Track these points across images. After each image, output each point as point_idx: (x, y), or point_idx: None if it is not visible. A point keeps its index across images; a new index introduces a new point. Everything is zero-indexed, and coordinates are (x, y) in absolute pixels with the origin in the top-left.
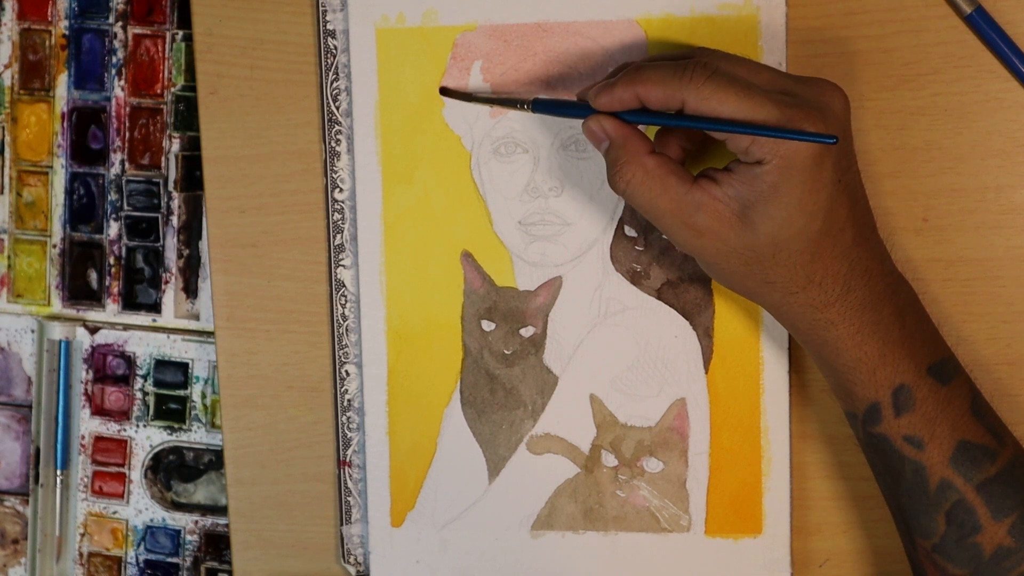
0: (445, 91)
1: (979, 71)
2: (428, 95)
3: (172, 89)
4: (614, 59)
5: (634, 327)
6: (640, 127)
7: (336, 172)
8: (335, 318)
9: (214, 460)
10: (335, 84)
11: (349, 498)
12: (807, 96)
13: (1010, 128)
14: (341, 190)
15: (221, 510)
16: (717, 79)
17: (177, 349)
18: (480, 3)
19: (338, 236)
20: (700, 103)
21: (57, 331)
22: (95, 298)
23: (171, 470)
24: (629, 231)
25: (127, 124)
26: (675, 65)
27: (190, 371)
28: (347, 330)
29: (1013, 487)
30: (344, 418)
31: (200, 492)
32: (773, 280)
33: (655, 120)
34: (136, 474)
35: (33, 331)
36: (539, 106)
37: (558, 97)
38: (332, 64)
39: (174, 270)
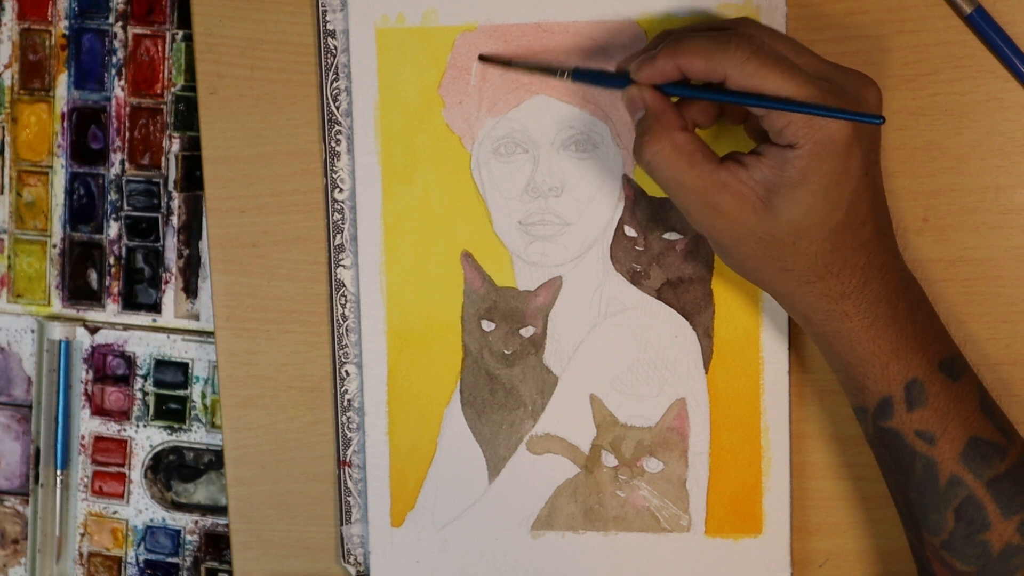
0: (484, 57)
1: (979, 71)
2: (428, 95)
3: (172, 89)
4: (614, 59)
5: (634, 327)
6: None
7: (336, 172)
8: (335, 318)
9: (214, 460)
10: (335, 84)
11: (349, 498)
12: (845, 85)
13: (1010, 128)
14: (341, 190)
15: (221, 510)
16: (761, 55)
17: (177, 349)
18: (480, 3)
19: (338, 236)
20: (744, 78)
21: (57, 331)
22: (95, 298)
23: (171, 470)
24: (629, 231)
25: (127, 124)
26: (718, 37)
27: (190, 371)
28: (347, 330)
29: (1022, 484)
30: (344, 418)
31: (200, 492)
32: (791, 268)
33: (696, 94)
34: (136, 474)
35: (33, 331)
36: (578, 75)
37: (559, 100)
38: (332, 64)
39: (174, 270)
